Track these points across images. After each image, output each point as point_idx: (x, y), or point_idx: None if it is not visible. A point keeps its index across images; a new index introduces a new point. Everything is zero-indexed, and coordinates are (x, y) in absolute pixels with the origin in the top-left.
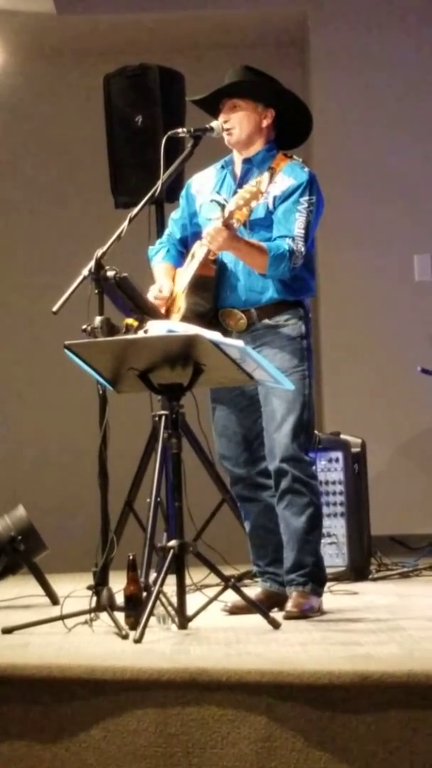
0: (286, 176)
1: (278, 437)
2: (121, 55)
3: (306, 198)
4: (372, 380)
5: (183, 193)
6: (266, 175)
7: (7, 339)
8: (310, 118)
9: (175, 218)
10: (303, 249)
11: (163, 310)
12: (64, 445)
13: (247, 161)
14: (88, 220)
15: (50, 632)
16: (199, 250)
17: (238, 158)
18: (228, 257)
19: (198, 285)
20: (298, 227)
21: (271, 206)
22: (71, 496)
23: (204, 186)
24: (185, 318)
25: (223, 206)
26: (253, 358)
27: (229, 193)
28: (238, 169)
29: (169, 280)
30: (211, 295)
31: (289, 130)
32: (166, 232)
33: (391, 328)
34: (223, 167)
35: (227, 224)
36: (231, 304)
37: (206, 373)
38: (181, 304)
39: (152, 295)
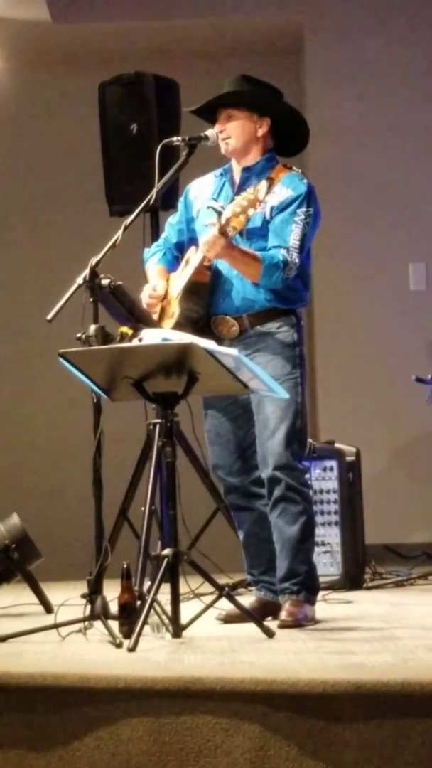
0: (285, 187)
1: (271, 445)
2: (117, 63)
3: (303, 210)
4: (367, 389)
5: (181, 198)
6: (264, 183)
7: (1, 347)
8: (307, 127)
9: (172, 223)
10: (297, 260)
11: (156, 313)
12: (59, 453)
13: (246, 170)
14: (83, 228)
15: (44, 641)
16: (193, 257)
17: (236, 166)
18: (223, 264)
19: (192, 291)
20: (293, 238)
21: (268, 216)
22: (66, 504)
23: (202, 192)
24: (178, 324)
25: (219, 213)
26: (248, 366)
27: (226, 201)
28: (237, 177)
29: (162, 281)
30: (205, 301)
31: (287, 138)
32: (163, 236)
33: (386, 337)
34: (222, 175)
35: (223, 232)
36: (224, 311)
37: (201, 382)
38: (174, 310)
39: (146, 294)
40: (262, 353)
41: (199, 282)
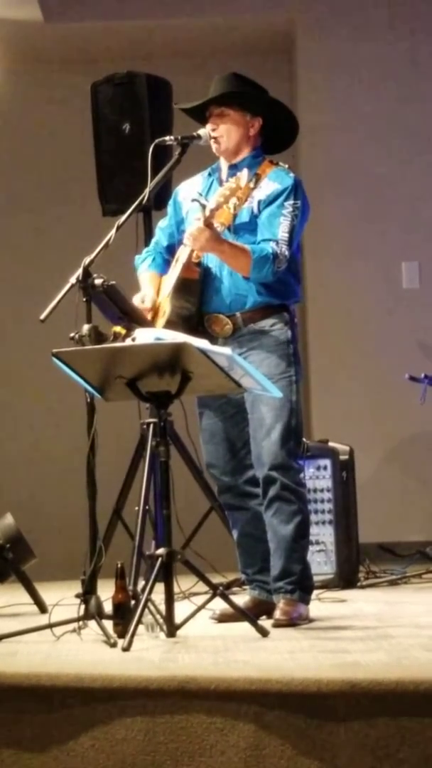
0: (271, 181)
1: (266, 444)
2: (109, 63)
3: (291, 202)
4: (360, 388)
5: (170, 201)
6: (245, 171)
7: None
8: (296, 125)
9: (162, 226)
10: (287, 252)
11: (149, 317)
12: (52, 453)
13: (232, 167)
14: (76, 228)
15: (38, 641)
16: (182, 253)
17: (224, 165)
18: (212, 261)
19: (182, 288)
20: (282, 231)
21: (256, 210)
22: (59, 504)
23: (191, 193)
24: (170, 322)
25: (204, 206)
26: (241, 365)
27: None
28: (225, 175)
29: (152, 290)
30: (196, 298)
31: (274, 135)
32: (153, 240)
33: (378, 336)
34: (210, 174)
35: (209, 224)
36: (216, 309)
37: (194, 381)
38: (166, 308)
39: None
40: (257, 351)
41: (189, 278)
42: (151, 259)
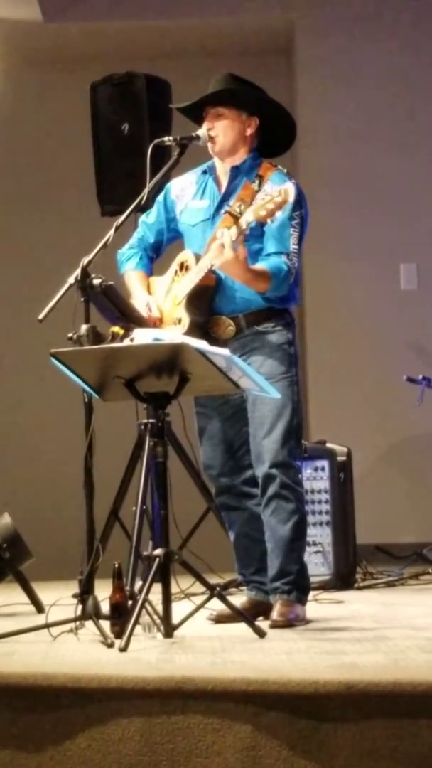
0: (276, 185)
1: (267, 443)
2: (108, 63)
3: (298, 212)
4: (358, 389)
5: (160, 197)
6: (291, 185)
7: None
8: (294, 127)
9: (149, 222)
10: (297, 264)
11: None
12: (50, 453)
13: (234, 169)
14: (75, 228)
15: (35, 641)
16: (195, 263)
17: (219, 165)
18: None
19: (200, 295)
20: (293, 243)
21: None
22: (57, 504)
23: (185, 191)
24: (190, 330)
25: (236, 218)
26: (239, 366)
27: (212, 200)
28: (223, 176)
29: (145, 292)
30: (209, 304)
31: (272, 138)
32: (137, 236)
33: (377, 337)
34: (204, 172)
35: (241, 257)
36: (219, 311)
37: (192, 382)
38: (181, 315)
39: (143, 311)
40: (258, 352)
41: (207, 285)
42: (138, 258)
